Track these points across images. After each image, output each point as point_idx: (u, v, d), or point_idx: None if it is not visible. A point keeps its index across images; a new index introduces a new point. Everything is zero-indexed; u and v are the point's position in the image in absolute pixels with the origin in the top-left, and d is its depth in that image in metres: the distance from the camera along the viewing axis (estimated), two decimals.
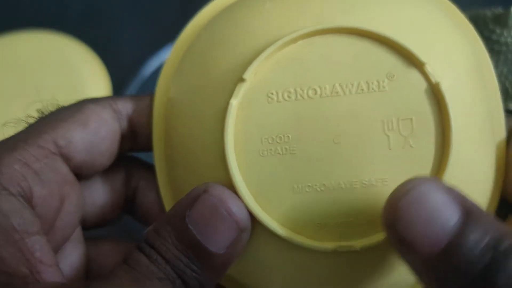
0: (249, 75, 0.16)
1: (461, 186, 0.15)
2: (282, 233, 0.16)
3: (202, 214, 0.15)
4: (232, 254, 0.16)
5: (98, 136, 0.19)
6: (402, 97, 0.15)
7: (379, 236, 0.16)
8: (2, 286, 0.15)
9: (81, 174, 0.19)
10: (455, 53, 0.16)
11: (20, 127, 0.19)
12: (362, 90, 0.15)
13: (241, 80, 0.16)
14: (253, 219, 0.16)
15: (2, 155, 0.17)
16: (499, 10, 0.33)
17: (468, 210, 0.14)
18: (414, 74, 0.15)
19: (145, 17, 0.48)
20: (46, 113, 0.19)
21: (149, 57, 0.43)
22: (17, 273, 0.15)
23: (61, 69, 0.40)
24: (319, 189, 0.16)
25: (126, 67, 0.43)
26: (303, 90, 0.16)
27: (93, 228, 0.21)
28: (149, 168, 0.21)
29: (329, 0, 0.16)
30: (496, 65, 0.32)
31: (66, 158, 0.18)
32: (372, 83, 0.15)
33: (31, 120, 0.19)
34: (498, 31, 0.32)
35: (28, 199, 0.17)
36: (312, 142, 0.16)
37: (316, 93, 0.16)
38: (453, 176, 0.16)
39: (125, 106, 0.20)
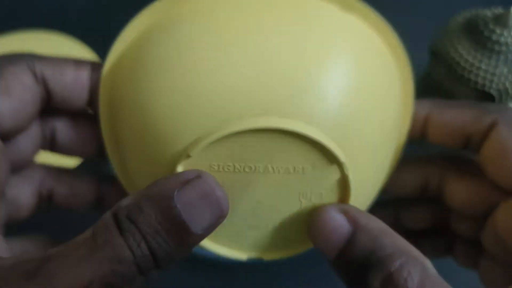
0: (195, 152, 0.18)
1: None
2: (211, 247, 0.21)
3: (193, 196, 0.17)
4: (205, 236, 0.17)
5: (22, 103, 0.19)
6: (319, 181, 0.20)
7: (282, 254, 0.22)
8: None
9: (7, 137, 0.20)
10: (368, 147, 0.21)
11: None
12: (289, 172, 0.19)
13: (187, 156, 0.18)
14: None
15: None
16: (499, 10, 0.33)
17: (357, 225, 0.18)
18: (331, 168, 0.19)
19: None
20: None
21: None
22: None
23: None
24: (248, 227, 0.21)
25: None
26: (240, 166, 0.19)
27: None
28: (62, 111, 0.22)
29: (274, 85, 0.19)
30: (496, 65, 0.32)
31: None
32: (298, 168, 0.19)
33: None
34: (498, 31, 0.32)
35: None
36: (240, 202, 0.20)
37: (250, 169, 0.19)
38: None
39: (42, 68, 0.20)
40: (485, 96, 0.32)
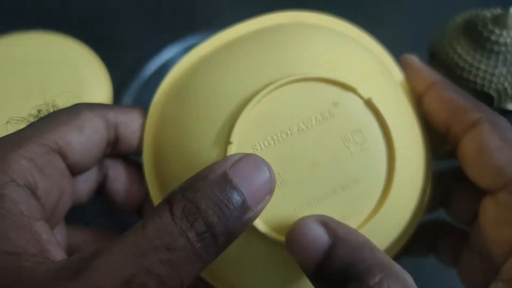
0: (235, 137, 0.20)
1: (405, 164, 0.22)
2: (274, 236, 0.20)
3: (246, 169, 0.17)
4: (259, 213, 0.18)
5: (91, 141, 0.21)
6: (348, 116, 0.21)
7: (359, 226, 0.21)
8: (12, 267, 0.16)
9: (73, 172, 0.22)
10: (375, 78, 0.23)
11: (22, 125, 0.21)
12: (319, 120, 0.21)
13: (229, 143, 0.20)
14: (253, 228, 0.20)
15: (9, 151, 0.19)
16: (498, 10, 0.33)
17: (336, 237, 0.18)
18: (351, 97, 0.21)
19: (146, 17, 0.48)
20: (45, 113, 0.22)
21: (150, 57, 0.43)
22: (27, 251, 0.16)
23: (62, 70, 0.40)
24: (310, 203, 0.21)
25: (127, 68, 0.43)
26: (277, 135, 0.20)
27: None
28: (117, 159, 0.24)
29: (282, 55, 0.21)
30: (495, 65, 0.32)
31: (64, 157, 0.21)
32: (324, 113, 0.21)
33: (32, 119, 0.22)
34: (497, 31, 0.32)
35: (33, 191, 0.19)
36: (297, 172, 0.20)
37: (287, 134, 0.20)
38: (401, 156, 0.22)
39: (115, 117, 0.22)
40: (484, 97, 0.33)
